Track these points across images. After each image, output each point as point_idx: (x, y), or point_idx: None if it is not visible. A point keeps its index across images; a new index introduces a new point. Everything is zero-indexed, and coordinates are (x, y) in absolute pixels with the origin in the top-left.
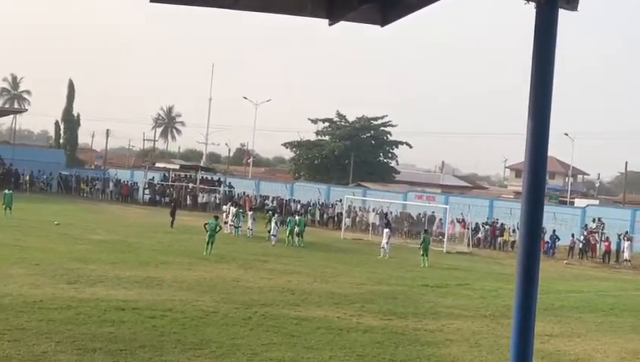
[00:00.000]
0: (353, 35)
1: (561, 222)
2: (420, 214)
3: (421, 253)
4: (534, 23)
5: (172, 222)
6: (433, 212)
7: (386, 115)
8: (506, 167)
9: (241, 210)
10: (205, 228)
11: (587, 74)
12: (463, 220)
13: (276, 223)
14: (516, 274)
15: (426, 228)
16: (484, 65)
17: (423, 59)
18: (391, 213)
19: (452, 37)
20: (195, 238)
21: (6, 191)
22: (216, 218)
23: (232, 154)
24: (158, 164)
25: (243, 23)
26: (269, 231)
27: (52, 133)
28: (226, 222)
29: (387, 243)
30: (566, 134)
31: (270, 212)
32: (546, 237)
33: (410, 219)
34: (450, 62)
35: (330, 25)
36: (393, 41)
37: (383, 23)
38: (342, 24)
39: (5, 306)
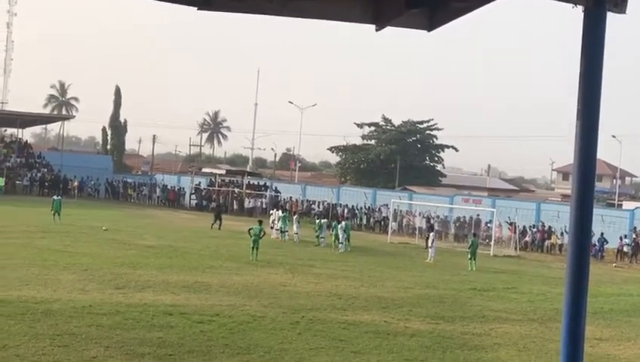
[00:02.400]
0: (399, 39)
1: (609, 225)
2: (465, 217)
3: (469, 256)
4: (582, 27)
5: (219, 225)
6: (478, 215)
7: (432, 119)
8: (552, 170)
9: (285, 214)
10: (250, 233)
11: (635, 74)
12: (511, 223)
13: (344, 230)
14: (566, 277)
15: (474, 231)
16: (530, 68)
17: (468, 62)
18: (437, 216)
19: (498, 40)
20: (242, 243)
21: (55, 197)
22: (260, 222)
23: (277, 159)
24: (204, 170)
25: (288, 29)
26: (318, 237)
27: (99, 139)
28: (272, 227)
29: (432, 246)
30: (614, 136)
31: (321, 219)
32: (594, 240)
33: (457, 222)
34: (496, 65)
35: (377, 30)
36: (439, 45)
37: (430, 27)
38: (388, 29)
39: (55, 311)
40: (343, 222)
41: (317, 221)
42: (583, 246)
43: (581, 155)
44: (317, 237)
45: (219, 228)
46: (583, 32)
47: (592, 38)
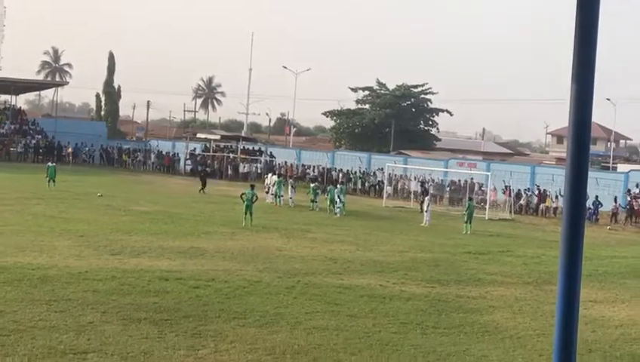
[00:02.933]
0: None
1: (604, 188)
2: (460, 181)
3: (465, 219)
4: None
5: (202, 189)
6: (472, 178)
7: (427, 83)
8: (547, 133)
9: (281, 179)
10: (242, 198)
11: (629, 36)
12: (506, 187)
13: (339, 196)
14: (561, 240)
15: (470, 195)
16: (527, 31)
17: (463, 26)
18: (432, 180)
19: (494, 4)
20: (237, 208)
21: (49, 163)
22: (252, 187)
23: (272, 124)
24: (199, 135)
25: None
26: (312, 201)
27: (93, 105)
28: (267, 192)
29: (427, 210)
30: (608, 99)
31: (316, 183)
32: (589, 203)
33: (452, 186)
34: (492, 28)
35: None
36: (435, 8)
37: None
38: None
39: (51, 277)
40: (339, 186)
41: (311, 185)
42: (578, 210)
43: (576, 118)
44: (311, 201)
45: (200, 192)
46: None
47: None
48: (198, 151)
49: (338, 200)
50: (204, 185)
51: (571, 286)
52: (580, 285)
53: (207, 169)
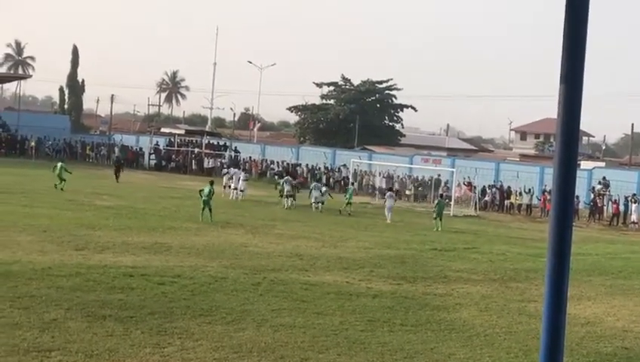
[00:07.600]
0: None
1: None
2: (424, 177)
3: (434, 216)
4: None
5: (117, 178)
6: (439, 175)
7: (391, 79)
8: (511, 130)
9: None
10: (200, 194)
11: (593, 31)
12: (470, 183)
13: (323, 192)
14: (548, 241)
15: (441, 193)
16: (491, 29)
17: (428, 21)
18: (398, 176)
19: (459, 3)
20: (198, 204)
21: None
22: (211, 183)
23: (236, 119)
24: (163, 129)
25: None
26: (281, 196)
27: (56, 98)
28: (227, 186)
29: (390, 207)
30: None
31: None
32: None
33: (416, 182)
34: (457, 25)
35: None
36: (400, 5)
37: None
38: None
39: (14, 273)
40: (317, 183)
41: (276, 179)
42: (566, 210)
43: (565, 117)
44: (280, 196)
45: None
46: None
47: None
48: (162, 146)
49: (324, 194)
50: (117, 173)
51: (559, 287)
52: (568, 286)
53: (172, 163)
